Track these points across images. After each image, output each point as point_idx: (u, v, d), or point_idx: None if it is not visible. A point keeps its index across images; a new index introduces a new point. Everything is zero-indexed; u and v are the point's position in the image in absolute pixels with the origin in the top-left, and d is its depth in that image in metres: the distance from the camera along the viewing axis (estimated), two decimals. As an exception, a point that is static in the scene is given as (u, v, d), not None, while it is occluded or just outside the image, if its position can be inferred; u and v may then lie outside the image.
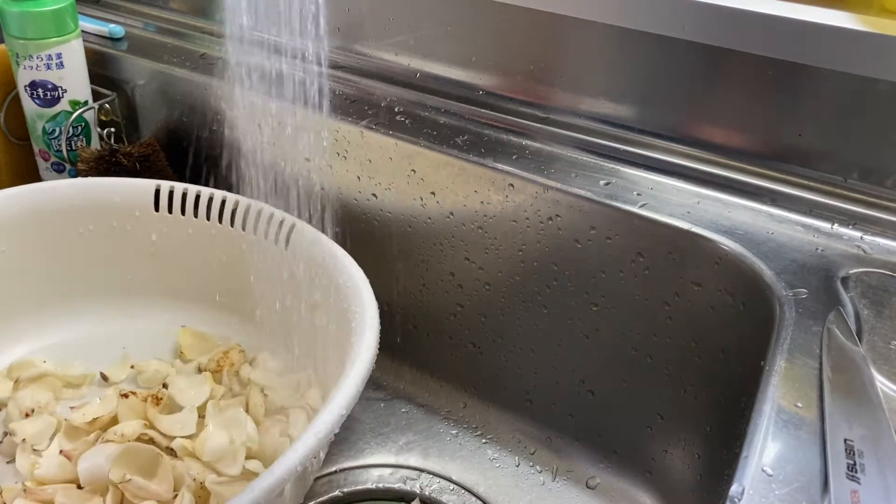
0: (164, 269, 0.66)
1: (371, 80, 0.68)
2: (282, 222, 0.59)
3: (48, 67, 0.66)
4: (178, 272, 0.66)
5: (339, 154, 0.64)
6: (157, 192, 0.63)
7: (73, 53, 0.67)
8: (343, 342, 0.50)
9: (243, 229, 0.61)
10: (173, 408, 0.58)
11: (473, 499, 0.59)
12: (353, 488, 0.59)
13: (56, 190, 0.64)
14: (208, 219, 0.63)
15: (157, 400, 0.57)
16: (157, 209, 0.64)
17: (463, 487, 0.60)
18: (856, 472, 0.33)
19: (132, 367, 0.63)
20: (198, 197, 0.63)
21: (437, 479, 0.61)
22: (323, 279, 0.56)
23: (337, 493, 0.58)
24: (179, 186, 0.63)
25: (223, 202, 0.62)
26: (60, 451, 0.54)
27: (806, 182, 0.54)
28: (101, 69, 0.75)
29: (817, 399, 0.37)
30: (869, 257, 0.49)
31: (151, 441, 0.54)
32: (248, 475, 0.52)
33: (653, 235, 0.52)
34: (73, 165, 0.71)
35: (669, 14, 0.53)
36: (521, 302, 0.61)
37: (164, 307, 0.67)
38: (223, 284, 0.65)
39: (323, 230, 0.58)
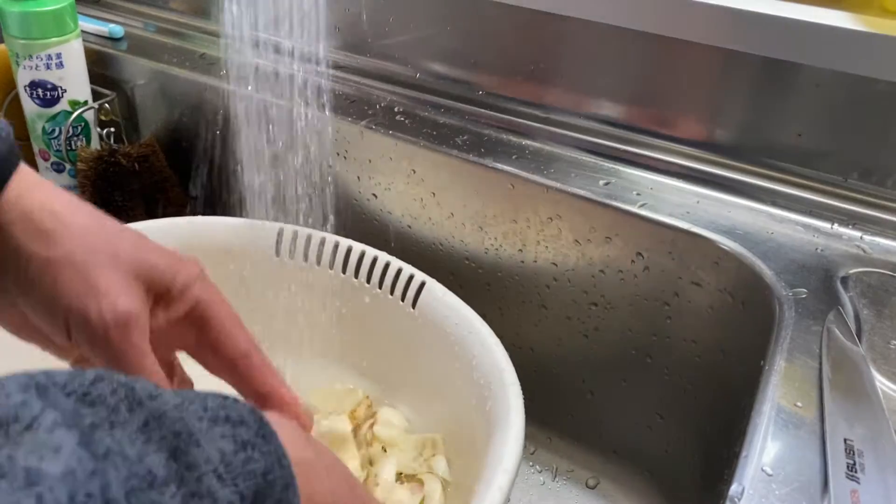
0: (278, 318, 0.57)
1: (371, 80, 0.68)
2: (411, 278, 0.54)
3: (48, 67, 0.66)
4: (293, 321, 0.57)
5: (339, 154, 0.64)
6: (280, 235, 0.57)
7: (73, 53, 0.67)
8: (481, 421, 0.46)
9: (367, 282, 0.56)
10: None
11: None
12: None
13: (175, 227, 0.58)
14: (331, 267, 0.57)
15: None
16: (277, 254, 0.57)
17: (463, 487, 0.60)
18: (855, 471, 0.33)
19: None
20: (322, 243, 0.57)
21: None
22: (454, 346, 0.51)
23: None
24: (303, 232, 0.57)
25: (348, 250, 0.57)
26: None
27: (806, 182, 0.54)
28: (101, 69, 0.75)
29: (817, 399, 0.37)
30: (869, 257, 0.49)
31: None
32: None
33: (653, 235, 0.52)
34: (72, 165, 0.71)
35: (669, 14, 0.53)
36: (521, 302, 0.61)
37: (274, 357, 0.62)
38: (340, 336, 0.59)
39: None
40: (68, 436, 0.19)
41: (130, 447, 0.21)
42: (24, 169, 0.33)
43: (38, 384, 0.21)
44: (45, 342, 0.36)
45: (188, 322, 0.35)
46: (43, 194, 0.33)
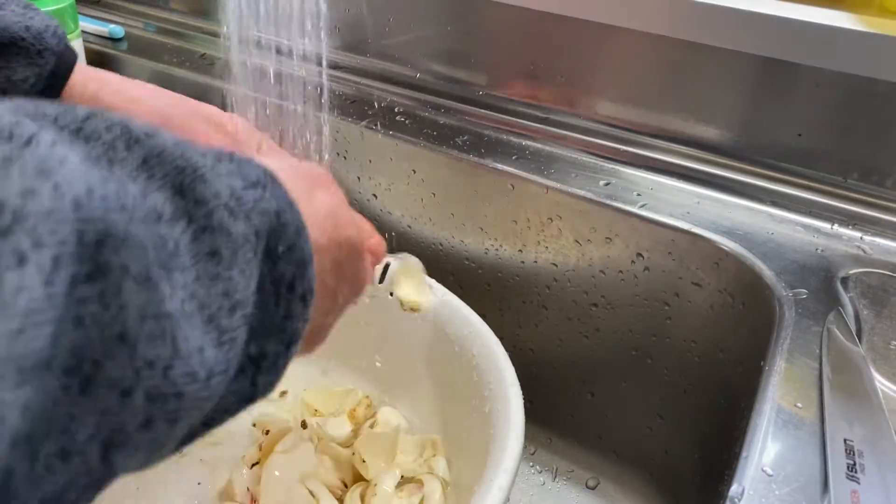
0: None
1: (371, 80, 0.68)
2: None
3: (48, 67, 0.66)
4: None
5: (339, 154, 0.64)
6: None
7: (73, 53, 0.67)
8: (481, 422, 0.46)
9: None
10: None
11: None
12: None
13: None
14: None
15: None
16: None
17: (463, 487, 0.60)
18: (855, 472, 0.33)
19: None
20: None
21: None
22: (454, 347, 0.51)
23: None
24: None
25: None
26: None
27: (806, 182, 0.54)
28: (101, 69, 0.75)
29: (817, 399, 0.37)
30: (869, 257, 0.49)
31: None
32: None
33: (653, 236, 0.52)
34: (73, 165, 0.71)
35: (669, 14, 0.53)
36: (521, 302, 0.61)
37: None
38: (340, 337, 0.60)
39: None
40: (70, 152, 0.17)
41: (132, 184, 0.19)
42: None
43: (28, 112, 0.19)
44: None
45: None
46: (103, 74, 0.35)
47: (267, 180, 0.23)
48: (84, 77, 0.34)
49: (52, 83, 0.32)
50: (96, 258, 0.16)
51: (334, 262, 0.28)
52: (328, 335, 0.32)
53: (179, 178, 0.20)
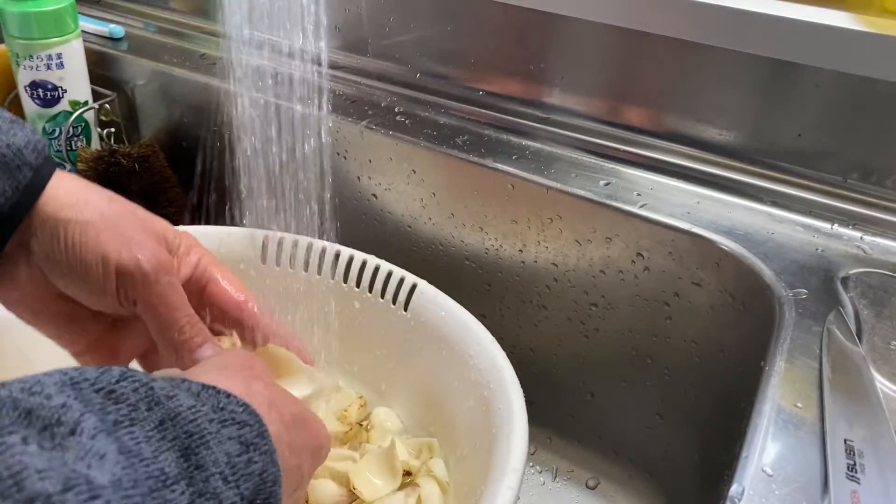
0: None
1: (371, 80, 0.68)
2: (402, 281, 0.53)
3: (48, 68, 0.66)
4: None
5: (339, 154, 0.64)
6: (265, 243, 0.56)
7: (74, 53, 0.67)
8: (481, 422, 0.46)
9: (357, 286, 0.55)
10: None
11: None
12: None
13: None
14: (319, 273, 0.56)
15: None
16: (263, 261, 0.56)
17: (463, 487, 0.60)
18: (856, 472, 0.33)
19: None
20: (309, 249, 0.56)
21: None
22: (450, 347, 0.51)
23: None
24: (289, 238, 0.56)
25: (337, 255, 0.56)
26: None
27: (806, 182, 0.54)
28: (101, 69, 0.75)
29: (817, 399, 0.37)
30: (869, 257, 0.49)
31: None
32: None
33: (653, 236, 0.52)
34: (73, 165, 0.71)
35: (669, 14, 0.53)
36: (521, 302, 0.61)
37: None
38: (333, 343, 0.58)
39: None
40: (108, 442, 0.21)
41: (147, 445, 0.23)
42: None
43: (73, 381, 0.23)
44: (59, 323, 0.39)
45: (192, 283, 0.41)
46: (69, 180, 0.37)
47: (258, 441, 0.27)
48: (57, 182, 0.36)
49: (27, 193, 0.35)
50: None
51: (290, 445, 0.30)
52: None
53: (187, 442, 0.24)
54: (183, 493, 0.23)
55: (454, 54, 0.64)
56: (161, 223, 0.40)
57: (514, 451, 0.40)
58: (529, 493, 0.61)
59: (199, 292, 0.42)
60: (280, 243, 0.56)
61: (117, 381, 0.24)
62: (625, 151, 0.59)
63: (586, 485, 0.62)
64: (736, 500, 0.32)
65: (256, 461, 0.26)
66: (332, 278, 0.56)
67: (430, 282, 0.53)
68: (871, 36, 0.48)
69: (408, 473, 0.51)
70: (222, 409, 0.27)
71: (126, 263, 0.35)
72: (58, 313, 0.38)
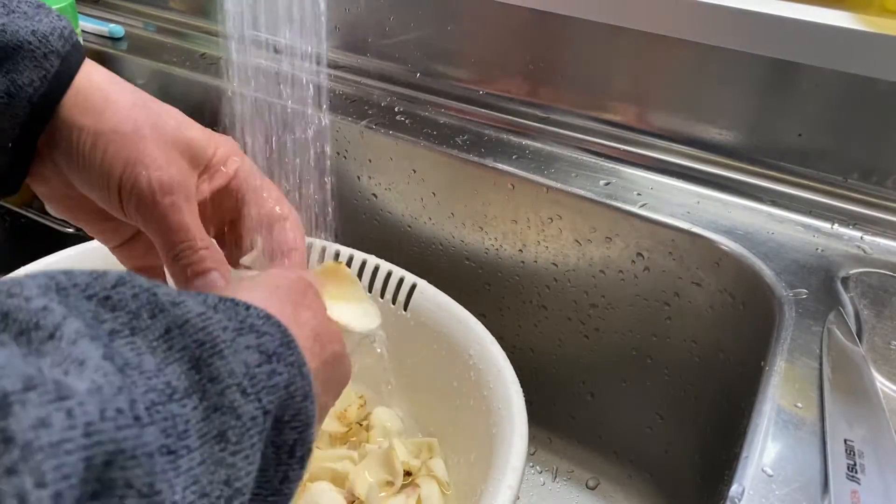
0: None
1: (371, 80, 0.68)
2: (401, 281, 0.54)
3: (48, 67, 0.66)
4: None
5: (339, 154, 0.64)
6: None
7: (73, 53, 0.67)
8: (481, 421, 0.46)
9: None
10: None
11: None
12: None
13: None
14: None
15: None
16: None
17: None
18: (856, 472, 0.33)
19: None
20: (309, 249, 0.54)
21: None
22: (449, 347, 0.51)
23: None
24: None
25: (336, 255, 0.56)
26: None
27: (806, 182, 0.54)
28: (101, 69, 0.75)
29: (817, 399, 0.37)
30: (869, 257, 0.49)
31: None
32: None
33: (653, 235, 0.52)
34: (72, 165, 0.71)
35: (669, 14, 0.53)
36: (521, 302, 0.61)
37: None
38: None
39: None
40: (92, 348, 0.18)
41: (150, 356, 0.20)
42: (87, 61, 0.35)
43: (59, 285, 0.20)
44: (93, 220, 0.37)
45: (227, 193, 0.37)
46: (97, 75, 0.35)
47: (282, 350, 0.24)
48: (83, 76, 0.34)
49: (57, 84, 0.33)
50: (102, 477, 0.17)
51: (324, 382, 0.29)
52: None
53: (198, 352, 0.21)
54: (195, 407, 0.20)
55: (454, 54, 0.64)
56: (192, 131, 0.36)
57: (514, 451, 0.40)
58: (529, 493, 0.61)
59: (237, 204, 0.38)
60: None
61: (113, 287, 0.21)
62: (625, 151, 0.59)
63: (586, 485, 0.62)
64: (736, 500, 0.32)
65: (281, 372, 0.23)
66: None
67: (430, 282, 0.53)
68: (871, 36, 0.48)
69: (408, 473, 0.51)
70: (239, 318, 0.24)
71: (126, 182, 0.33)
72: (89, 212, 0.36)
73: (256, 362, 0.23)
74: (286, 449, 0.24)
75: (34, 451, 0.15)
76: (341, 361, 0.31)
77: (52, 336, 0.18)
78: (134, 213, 0.34)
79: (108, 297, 0.21)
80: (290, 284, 0.31)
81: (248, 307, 0.24)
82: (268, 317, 0.25)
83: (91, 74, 0.35)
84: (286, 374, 0.24)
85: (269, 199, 0.39)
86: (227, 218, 0.38)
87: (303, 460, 0.24)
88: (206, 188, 0.36)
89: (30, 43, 0.32)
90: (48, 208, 0.37)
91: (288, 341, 0.24)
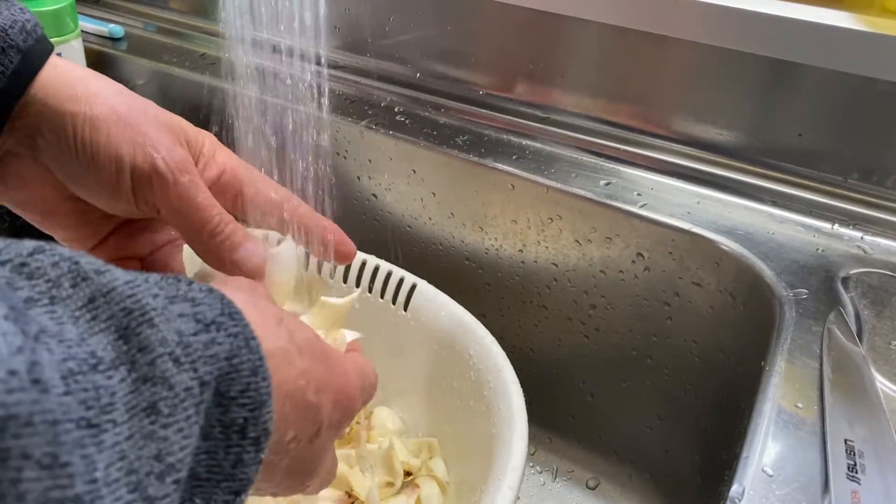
0: None
1: (371, 80, 0.68)
2: (401, 281, 0.54)
3: (48, 67, 0.66)
4: None
5: (339, 154, 0.64)
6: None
7: (73, 53, 0.67)
8: (481, 421, 0.46)
9: (357, 286, 0.55)
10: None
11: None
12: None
13: None
14: (318, 273, 0.55)
15: None
16: None
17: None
18: (856, 472, 0.33)
19: None
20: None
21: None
22: (449, 347, 0.51)
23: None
24: (288, 238, 0.57)
25: None
26: None
27: (806, 182, 0.54)
28: (101, 69, 0.74)
29: (818, 399, 0.37)
30: (869, 257, 0.49)
31: None
32: None
33: (653, 235, 0.52)
34: (72, 165, 0.71)
35: (669, 14, 0.53)
36: (521, 302, 0.61)
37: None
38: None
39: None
40: None
41: (72, 326, 0.19)
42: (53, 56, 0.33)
43: None
44: (69, 224, 0.35)
45: (221, 185, 0.36)
46: (74, 68, 0.33)
47: (223, 319, 0.22)
48: (51, 72, 0.33)
49: (17, 81, 0.31)
50: None
51: (306, 373, 0.26)
52: (326, 467, 0.30)
53: (126, 321, 0.20)
54: (123, 380, 0.19)
55: (454, 54, 0.64)
56: (178, 119, 0.35)
57: (514, 451, 0.40)
58: (529, 493, 0.61)
59: (233, 196, 0.37)
60: (280, 243, 0.56)
61: (30, 254, 0.19)
62: (625, 151, 0.59)
63: (586, 485, 0.62)
64: (736, 501, 0.32)
65: (221, 342, 0.22)
66: (332, 278, 0.56)
67: (430, 282, 0.53)
68: (872, 36, 0.48)
69: (408, 473, 0.51)
70: (174, 288, 0.22)
71: (141, 165, 0.31)
72: (67, 214, 0.35)
73: (192, 331, 0.21)
74: (236, 429, 0.22)
75: None
76: (327, 357, 0.29)
77: None
78: (150, 200, 0.32)
79: (23, 265, 0.19)
80: (245, 284, 0.30)
81: (189, 282, 0.23)
82: (210, 290, 0.23)
83: (63, 68, 0.33)
84: (227, 345, 0.22)
85: (268, 185, 0.38)
86: (225, 207, 0.37)
87: (258, 442, 0.22)
88: (203, 179, 0.35)
89: None
90: (22, 214, 0.36)
91: (231, 312, 0.23)
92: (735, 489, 0.32)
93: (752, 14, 0.51)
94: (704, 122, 0.56)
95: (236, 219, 0.36)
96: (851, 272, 0.47)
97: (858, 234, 0.51)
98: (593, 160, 0.58)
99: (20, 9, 0.32)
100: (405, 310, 0.53)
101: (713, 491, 0.49)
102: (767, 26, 0.50)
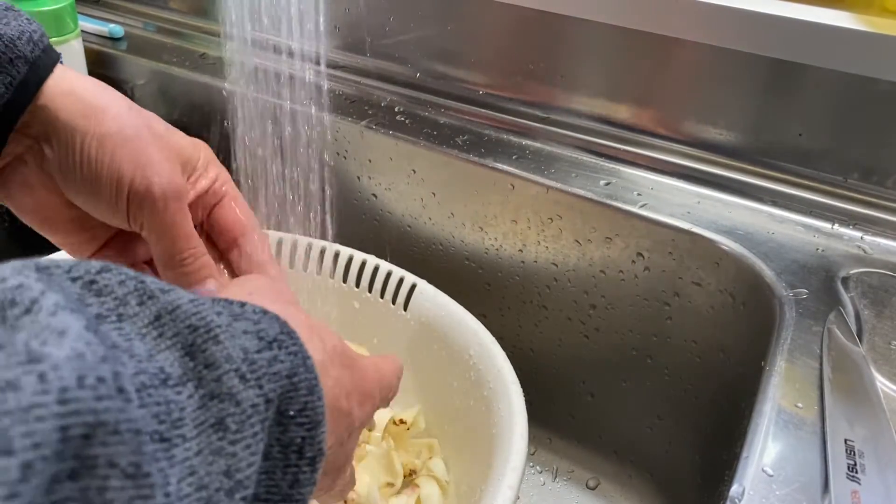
0: None
1: (371, 80, 0.68)
2: (401, 281, 0.54)
3: (48, 67, 0.66)
4: None
5: (339, 154, 0.64)
6: None
7: (73, 53, 0.67)
8: (481, 421, 0.46)
9: (357, 286, 0.55)
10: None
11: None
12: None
13: None
14: (318, 273, 0.56)
15: None
16: None
17: (463, 488, 0.60)
18: (856, 472, 0.33)
19: None
20: (308, 249, 0.56)
21: (437, 480, 0.60)
22: (449, 347, 0.51)
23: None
24: (289, 238, 0.56)
25: (336, 255, 0.56)
26: None
27: (806, 182, 0.54)
28: (101, 69, 0.75)
29: (818, 399, 0.37)
30: (869, 257, 0.49)
31: None
32: None
33: (653, 235, 0.52)
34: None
35: (669, 14, 0.53)
36: (521, 302, 0.61)
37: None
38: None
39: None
40: (73, 319, 0.16)
41: (140, 342, 0.19)
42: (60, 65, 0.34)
43: (39, 266, 0.18)
44: (69, 231, 0.36)
45: (206, 197, 0.38)
46: (82, 79, 0.34)
47: (284, 337, 0.23)
48: (59, 82, 0.33)
49: (24, 91, 0.32)
50: (82, 453, 0.15)
51: (338, 381, 0.27)
52: (351, 465, 0.31)
53: (192, 338, 0.20)
54: (191, 395, 0.19)
55: (454, 54, 0.64)
56: (177, 137, 0.36)
57: (514, 451, 0.40)
58: (529, 493, 0.61)
59: (210, 208, 0.39)
60: (280, 243, 0.56)
61: (98, 272, 0.20)
62: (625, 151, 0.59)
63: (586, 485, 0.62)
64: (736, 501, 0.32)
65: (283, 360, 0.22)
66: (332, 278, 0.56)
67: (430, 282, 0.53)
68: (872, 36, 0.48)
69: (410, 472, 0.51)
70: (234, 308, 0.23)
71: (139, 187, 0.32)
72: (67, 221, 0.36)
73: (256, 348, 0.21)
74: (294, 448, 0.22)
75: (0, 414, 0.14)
76: (352, 360, 0.29)
77: (28, 311, 0.16)
78: (139, 218, 0.34)
79: (93, 282, 0.19)
80: (267, 286, 0.30)
81: (242, 304, 0.23)
82: (263, 310, 0.24)
83: (72, 80, 0.33)
84: (288, 363, 0.22)
85: (242, 208, 0.39)
86: (198, 222, 0.38)
87: (314, 462, 0.23)
88: (192, 192, 0.37)
89: None
90: (23, 218, 0.37)
91: (289, 331, 0.23)
92: (735, 489, 0.32)
93: (752, 14, 0.51)
94: (704, 122, 0.56)
95: (201, 234, 0.38)
96: (851, 272, 0.47)
97: (858, 234, 0.51)
98: (593, 160, 0.58)
99: (27, 19, 0.32)
100: (405, 310, 0.53)
101: (713, 491, 0.49)
102: (767, 26, 0.50)
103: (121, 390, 0.16)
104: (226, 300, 0.23)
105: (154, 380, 0.18)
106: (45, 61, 0.33)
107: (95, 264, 0.20)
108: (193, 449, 0.18)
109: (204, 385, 0.19)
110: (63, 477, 0.15)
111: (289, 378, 0.22)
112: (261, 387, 0.21)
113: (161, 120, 0.36)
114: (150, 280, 0.21)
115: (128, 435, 0.16)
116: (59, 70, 0.33)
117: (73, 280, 0.19)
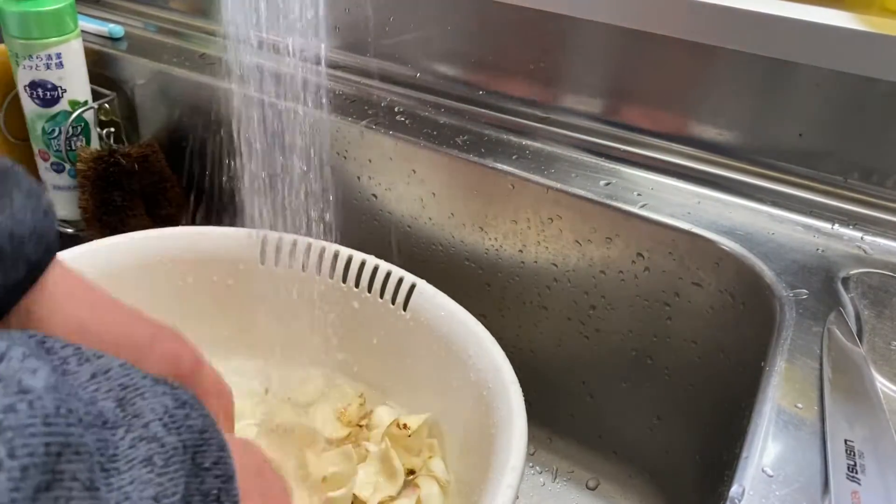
0: (266, 325, 0.56)
1: (371, 80, 0.68)
2: (401, 281, 0.54)
3: (48, 67, 0.66)
4: (281, 329, 0.56)
5: (339, 154, 0.64)
6: (264, 243, 0.56)
7: (73, 53, 0.67)
8: (481, 421, 0.46)
9: (356, 286, 0.55)
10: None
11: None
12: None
13: (162, 239, 0.58)
14: (318, 273, 0.56)
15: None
16: (262, 261, 0.56)
17: (463, 488, 0.60)
18: (856, 472, 0.33)
19: None
20: (308, 249, 0.56)
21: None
22: (449, 347, 0.51)
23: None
24: (288, 238, 0.55)
25: (335, 255, 0.55)
26: None
27: (806, 182, 0.54)
28: (101, 69, 0.75)
29: (818, 400, 0.37)
30: (869, 258, 0.49)
31: None
32: None
33: (653, 235, 0.52)
34: (72, 165, 0.71)
35: (669, 13, 0.53)
36: (521, 302, 0.61)
37: (256, 368, 0.59)
38: (332, 343, 0.58)
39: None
40: (40, 363, 0.21)
41: (83, 392, 0.23)
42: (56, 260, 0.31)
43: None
44: None
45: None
46: (58, 280, 0.31)
47: (193, 402, 0.27)
48: (51, 286, 0.30)
49: (15, 291, 0.29)
50: (55, 468, 0.19)
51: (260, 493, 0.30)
52: None
53: (122, 394, 0.24)
54: (122, 438, 0.23)
55: (454, 54, 0.64)
56: (164, 347, 0.33)
57: (513, 451, 0.40)
58: (529, 493, 0.61)
59: None
60: (279, 243, 0.56)
61: (45, 336, 0.24)
62: (625, 151, 0.59)
63: (586, 485, 0.62)
64: (736, 501, 0.32)
65: (195, 418, 0.26)
66: (332, 278, 0.56)
67: (430, 282, 0.53)
68: (871, 36, 0.48)
69: (410, 472, 0.51)
70: (150, 374, 0.27)
71: None
72: None
73: (174, 405, 0.25)
74: (213, 497, 0.25)
75: (4, 428, 0.18)
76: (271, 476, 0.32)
77: (1, 360, 0.20)
78: None
79: (43, 341, 0.24)
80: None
81: (154, 376, 0.27)
82: (184, 388, 0.27)
83: (54, 283, 0.30)
84: (200, 421, 0.26)
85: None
86: None
87: None
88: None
89: (2, 249, 0.27)
90: None
91: (200, 403, 0.27)
92: (735, 489, 0.32)
93: (752, 14, 0.51)
94: (704, 122, 0.56)
95: None
96: (851, 272, 0.47)
97: (858, 234, 0.51)
98: (593, 160, 0.58)
99: (44, 209, 0.29)
100: (405, 310, 0.53)
101: (713, 491, 0.49)
102: (767, 26, 0.50)
103: (80, 421, 0.21)
104: (143, 373, 0.27)
105: (97, 420, 0.22)
106: (45, 260, 0.30)
107: (40, 333, 0.24)
108: (127, 479, 0.22)
109: (133, 430, 0.24)
110: (42, 487, 0.19)
111: (201, 434, 0.26)
112: (179, 434, 0.25)
113: (121, 316, 0.33)
114: (84, 347, 0.25)
115: (85, 456, 0.20)
116: (53, 269, 0.30)
117: (30, 337, 0.23)
